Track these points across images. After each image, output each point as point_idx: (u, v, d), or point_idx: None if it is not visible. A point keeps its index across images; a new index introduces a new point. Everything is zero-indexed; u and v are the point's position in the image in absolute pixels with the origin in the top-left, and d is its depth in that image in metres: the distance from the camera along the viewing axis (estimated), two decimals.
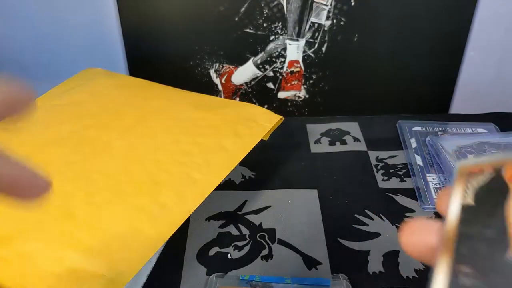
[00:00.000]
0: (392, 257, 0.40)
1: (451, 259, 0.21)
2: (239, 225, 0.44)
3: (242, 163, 0.47)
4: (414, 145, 0.53)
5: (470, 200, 0.22)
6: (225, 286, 0.30)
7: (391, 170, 0.50)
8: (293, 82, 0.60)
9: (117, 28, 0.57)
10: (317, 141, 0.55)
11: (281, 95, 0.61)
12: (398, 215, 0.45)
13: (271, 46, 0.57)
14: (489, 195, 0.22)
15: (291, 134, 0.56)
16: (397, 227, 0.43)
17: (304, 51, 0.58)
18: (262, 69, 0.59)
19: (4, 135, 0.42)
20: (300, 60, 0.58)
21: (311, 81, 0.60)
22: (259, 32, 0.56)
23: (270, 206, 0.46)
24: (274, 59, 0.58)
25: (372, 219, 0.44)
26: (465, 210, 0.22)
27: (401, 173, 0.50)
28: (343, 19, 0.56)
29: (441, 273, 0.20)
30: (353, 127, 0.58)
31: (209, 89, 0.60)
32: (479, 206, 0.22)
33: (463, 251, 0.21)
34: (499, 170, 0.23)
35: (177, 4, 0.55)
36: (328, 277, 0.38)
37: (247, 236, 0.43)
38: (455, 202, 0.22)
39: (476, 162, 0.24)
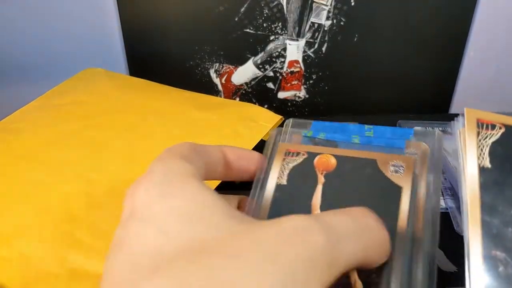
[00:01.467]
0: None
1: (482, 241, 0.21)
2: None
3: None
4: None
5: (487, 163, 0.22)
6: (286, 143, 0.30)
7: None
8: (293, 82, 0.60)
9: (117, 28, 0.57)
10: None
11: (281, 95, 0.61)
12: None
13: (271, 46, 0.57)
14: (507, 158, 0.22)
15: None
16: None
17: (304, 51, 0.58)
18: (262, 69, 0.59)
19: (4, 135, 0.42)
20: (300, 60, 0.58)
21: (311, 81, 0.60)
22: (259, 32, 0.57)
23: None
24: (274, 59, 0.58)
25: None
26: (484, 173, 0.22)
27: None
28: (343, 19, 0.56)
29: (476, 256, 0.20)
30: None
31: (209, 89, 0.60)
32: (497, 170, 0.22)
33: (493, 230, 0.21)
34: (509, 127, 0.24)
35: (177, 4, 0.55)
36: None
37: None
38: (471, 161, 0.22)
39: (485, 111, 0.24)
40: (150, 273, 0.16)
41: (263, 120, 0.45)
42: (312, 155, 0.28)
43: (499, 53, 0.59)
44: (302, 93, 0.61)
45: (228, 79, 0.60)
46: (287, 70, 0.59)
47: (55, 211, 0.34)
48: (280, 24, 0.56)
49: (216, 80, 0.60)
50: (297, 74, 0.59)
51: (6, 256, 0.32)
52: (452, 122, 0.24)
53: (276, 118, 0.46)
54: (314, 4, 0.55)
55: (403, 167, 0.26)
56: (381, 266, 0.22)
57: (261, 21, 0.56)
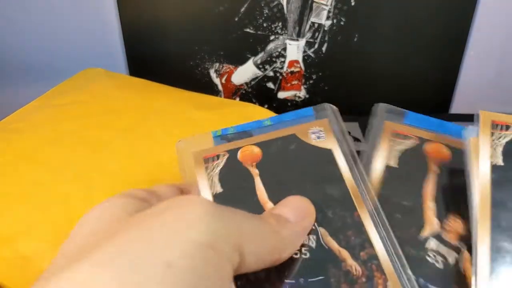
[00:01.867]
0: None
1: (490, 231, 0.21)
2: None
3: None
4: None
5: (500, 161, 0.23)
6: (197, 150, 0.28)
7: None
8: (293, 82, 0.60)
9: (117, 28, 0.57)
10: None
11: (281, 95, 0.61)
12: None
13: (271, 46, 0.57)
14: None
15: None
16: None
17: (304, 51, 0.58)
18: (262, 69, 0.59)
19: (4, 135, 0.42)
20: (300, 60, 0.58)
21: (311, 81, 0.60)
22: (259, 32, 0.56)
23: None
24: (274, 59, 0.58)
25: None
26: (495, 170, 0.22)
27: None
28: (343, 19, 0.56)
29: (483, 247, 0.20)
30: (353, 127, 0.58)
31: (209, 89, 0.60)
32: (510, 168, 0.22)
33: (501, 223, 0.21)
34: None
35: (177, 4, 0.55)
36: None
37: None
38: (484, 159, 0.23)
39: (499, 113, 0.25)
40: (77, 257, 0.19)
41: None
42: (233, 152, 0.27)
43: (499, 53, 0.59)
44: (302, 93, 0.61)
45: (228, 79, 0.60)
46: (287, 70, 0.59)
47: (55, 211, 0.34)
48: (280, 24, 0.56)
49: (216, 80, 0.60)
50: (297, 74, 0.59)
51: (6, 256, 0.32)
52: (463, 130, 0.25)
53: None
54: (314, 4, 0.55)
55: (322, 131, 0.27)
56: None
57: (261, 21, 0.56)
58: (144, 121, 0.43)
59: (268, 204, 0.24)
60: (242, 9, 0.55)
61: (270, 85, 0.60)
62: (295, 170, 0.25)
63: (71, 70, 0.52)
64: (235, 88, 0.61)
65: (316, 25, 0.56)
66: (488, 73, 0.61)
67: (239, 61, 0.59)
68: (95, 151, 0.40)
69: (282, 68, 0.59)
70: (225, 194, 0.25)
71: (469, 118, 0.60)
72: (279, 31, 0.56)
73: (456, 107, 0.62)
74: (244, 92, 0.61)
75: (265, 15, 0.55)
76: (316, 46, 0.57)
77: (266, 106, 0.62)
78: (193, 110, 0.45)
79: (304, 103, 0.61)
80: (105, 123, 0.43)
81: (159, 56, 0.59)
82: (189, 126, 0.43)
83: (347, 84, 0.60)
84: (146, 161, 0.39)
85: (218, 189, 0.25)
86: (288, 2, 0.54)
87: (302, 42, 0.57)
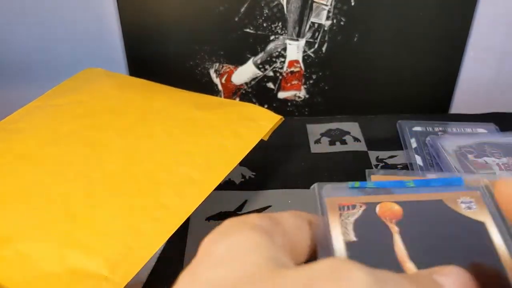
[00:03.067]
0: None
1: None
2: None
3: (242, 163, 0.47)
4: (414, 145, 0.53)
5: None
6: (333, 197, 0.26)
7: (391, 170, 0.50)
8: (293, 82, 0.60)
9: (117, 28, 0.57)
10: (317, 141, 0.55)
11: (281, 95, 0.61)
12: None
13: (271, 46, 0.57)
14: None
15: (291, 134, 0.56)
16: None
17: (304, 51, 0.58)
18: (262, 69, 0.59)
19: (4, 135, 0.42)
20: (300, 60, 0.58)
21: (311, 81, 0.60)
22: (259, 32, 0.57)
23: (270, 206, 0.46)
24: (274, 59, 0.58)
25: None
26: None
27: (401, 173, 0.50)
28: (343, 19, 0.56)
29: None
30: (353, 127, 0.58)
31: (209, 89, 0.60)
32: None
33: None
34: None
35: (177, 4, 0.55)
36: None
37: None
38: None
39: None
40: None
41: (263, 120, 0.45)
42: (371, 205, 0.25)
43: (499, 53, 0.59)
44: (302, 93, 0.61)
45: (228, 79, 0.60)
46: (287, 70, 0.59)
47: (55, 211, 0.34)
48: (280, 24, 0.56)
49: (216, 80, 0.60)
50: (297, 74, 0.59)
51: (6, 256, 0.32)
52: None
53: (276, 118, 0.46)
54: (314, 4, 0.55)
55: (473, 202, 0.24)
56: None
57: (261, 21, 0.56)
58: (144, 121, 0.43)
59: (407, 264, 0.22)
60: (242, 9, 0.55)
61: (270, 85, 0.60)
62: (441, 236, 0.23)
63: (71, 70, 0.52)
64: (235, 88, 0.61)
65: (316, 25, 0.56)
66: (488, 73, 0.61)
67: (239, 61, 0.59)
68: (95, 151, 0.40)
69: (282, 68, 0.59)
70: (359, 244, 0.23)
71: (469, 118, 0.60)
72: (279, 31, 0.56)
73: (456, 107, 0.62)
74: (244, 92, 0.61)
75: (265, 15, 0.55)
76: (316, 46, 0.57)
77: (266, 106, 0.62)
78: (193, 110, 0.45)
79: (304, 103, 0.61)
80: (105, 123, 0.43)
81: (159, 56, 0.59)
82: (189, 126, 0.43)
83: (347, 84, 0.60)
84: (146, 161, 0.39)
85: (352, 237, 0.24)
86: (288, 2, 0.55)
87: (302, 42, 0.57)
